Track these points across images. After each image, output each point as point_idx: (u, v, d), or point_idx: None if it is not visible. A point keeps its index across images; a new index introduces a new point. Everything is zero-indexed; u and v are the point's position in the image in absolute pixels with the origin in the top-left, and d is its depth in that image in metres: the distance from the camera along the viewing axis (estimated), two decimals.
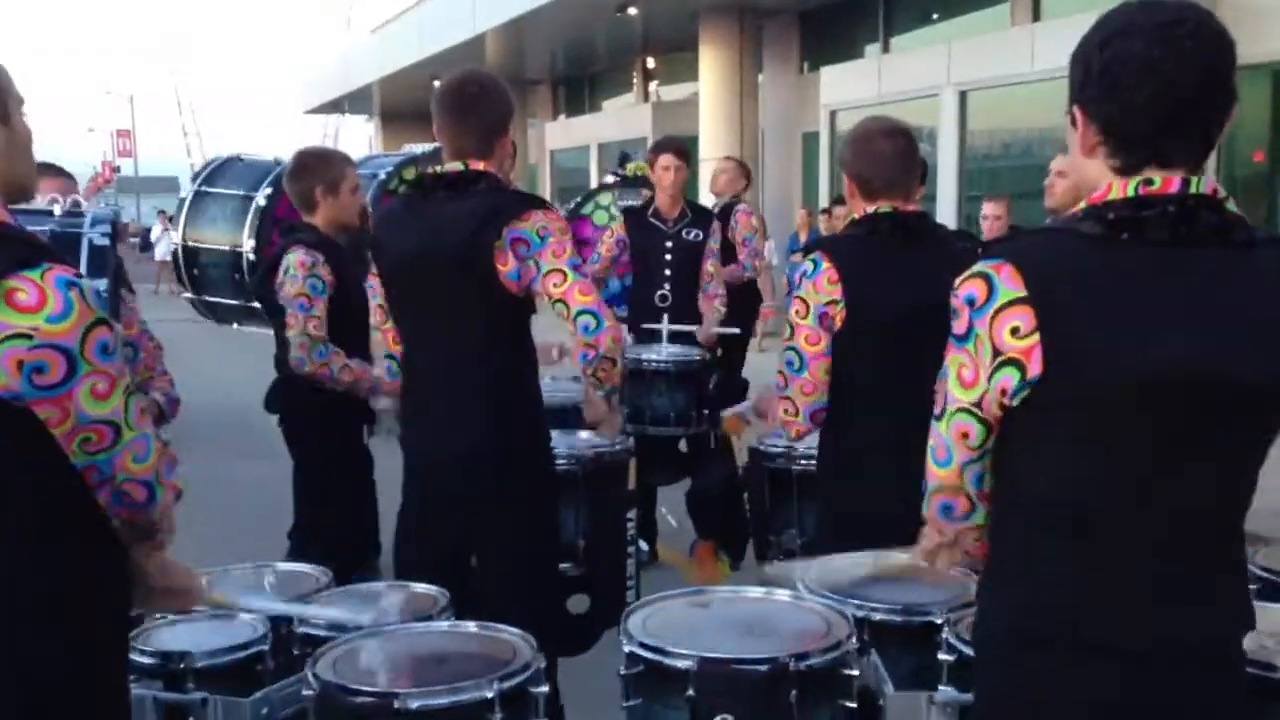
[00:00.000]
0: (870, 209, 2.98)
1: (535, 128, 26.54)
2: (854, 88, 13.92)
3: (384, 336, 3.15)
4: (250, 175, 8.58)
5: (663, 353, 5.22)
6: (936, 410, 1.75)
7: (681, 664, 2.08)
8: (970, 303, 1.66)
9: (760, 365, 5.44)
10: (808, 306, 2.90)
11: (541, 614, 2.85)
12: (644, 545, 5.28)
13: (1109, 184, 1.65)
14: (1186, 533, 1.66)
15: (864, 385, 2.91)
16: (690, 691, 2.05)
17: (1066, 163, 4.64)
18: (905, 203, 2.99)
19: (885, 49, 15.64)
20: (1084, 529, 1.66)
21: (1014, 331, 1.61)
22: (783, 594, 2.46)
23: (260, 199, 8.24)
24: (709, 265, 5.88)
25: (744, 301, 6.84)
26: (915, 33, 15.40)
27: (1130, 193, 1.63)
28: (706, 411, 5.05)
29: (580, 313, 2.85)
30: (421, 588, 2.70)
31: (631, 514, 3.94)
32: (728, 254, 6.51)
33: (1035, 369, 1.61)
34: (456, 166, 2.93)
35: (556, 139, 26.19)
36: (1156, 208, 1.61)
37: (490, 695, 2.04)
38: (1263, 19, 9.52)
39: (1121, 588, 1.65)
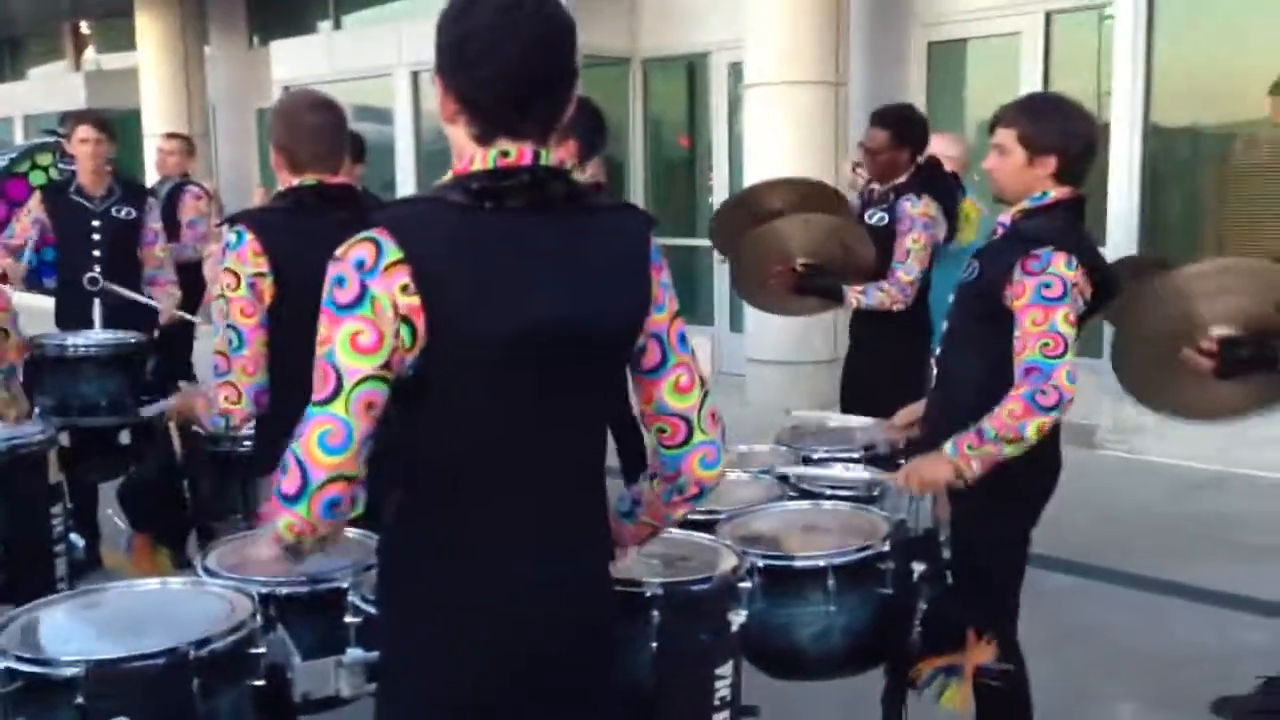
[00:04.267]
0: (296, 181, 2.98)
1: None
2: (307, 64, 13.58)
3: None
4: None
5: (91, 336, 4.82)
6: (319, 396, 1.66)
7: (67, 671, 1.91)
8: (360, 265, 1.65)
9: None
10: (238, 278, 2.84)
11: None
12: (77, 540, 4.84)
13: (471, 155, 1.73)
14: (563, 480, 1.78)
15: (292, 360, 2.85)
16: (79, 699, 1.89)
17: None
18: (333, 176, 3.00)
19: (337, 25, 15.45)
20: (468, 486, 1.72)
21: (404, 289, 1.64)
22: (177, 582, 2.35)
23: None
24: (158, 250, 5.52)
25: (191, 285, 6.54)
26: (367, 11, 15.34)
27: (490, 164, 1.72)
28: (145, 399, 4.73)
29: None
30: None
31: (57, 509, 3.63)
32: (172, 234, 6.19)
33: (420, 331, 1.64)
34: None
35: None
36: (513, 178, 1.71)
37: None
38: (680, 16, 10.54)
39: (509, 538, 1.74)
